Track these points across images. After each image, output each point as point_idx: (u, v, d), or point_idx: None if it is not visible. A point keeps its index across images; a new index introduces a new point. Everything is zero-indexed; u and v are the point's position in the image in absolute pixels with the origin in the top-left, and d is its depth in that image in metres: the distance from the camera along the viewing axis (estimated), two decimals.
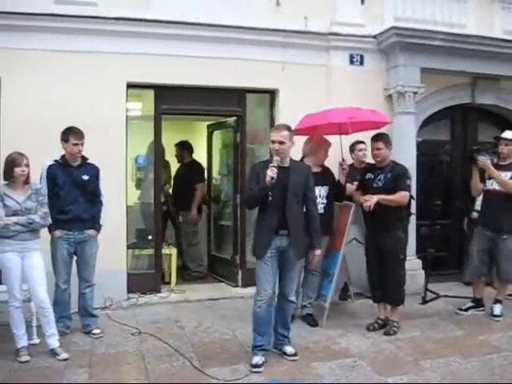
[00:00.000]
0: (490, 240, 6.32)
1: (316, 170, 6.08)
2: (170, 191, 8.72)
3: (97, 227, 5.72)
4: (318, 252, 5.17)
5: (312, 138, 6.31)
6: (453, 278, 7.85)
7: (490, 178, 6.33)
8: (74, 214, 5.54)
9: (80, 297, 5.76)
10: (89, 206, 5.67)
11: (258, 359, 4.85)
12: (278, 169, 4.76)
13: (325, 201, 6.15)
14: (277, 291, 5.07)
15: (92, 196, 5.71)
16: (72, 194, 5.56)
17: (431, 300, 7.00)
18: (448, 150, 8.42)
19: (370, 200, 5.68)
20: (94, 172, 5.74)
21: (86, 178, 5.65)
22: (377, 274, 5.95)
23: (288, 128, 4.99)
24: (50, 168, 5.55)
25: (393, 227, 5.80)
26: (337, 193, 6.33)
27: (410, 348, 5.39)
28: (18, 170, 4.98)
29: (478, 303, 6.59)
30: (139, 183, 7.87)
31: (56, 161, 5.62)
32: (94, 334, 5.66)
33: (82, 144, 5.62)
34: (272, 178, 4.70)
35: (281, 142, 4.83)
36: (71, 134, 5.57)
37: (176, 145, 8.80)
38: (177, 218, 8.60)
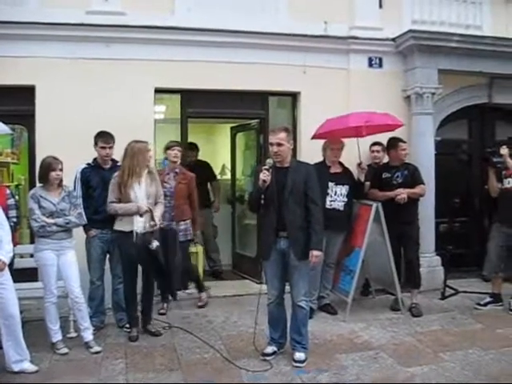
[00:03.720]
0: (507, 236, 6.48)
1: (337, 170, 6.41)
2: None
3: None
4: (316, 253, 4.82)
5: (326, 141, 6.57)
6: (472, 275, 7.96)
7: (506, 177, 6.52)
8: (106, 214, 5.73)
9: (113, 293, 5.99)
10: None
11: (268, 349, 5.13)
12: (276, 169, 4.86)
13: (345, 199, 6.40)
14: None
15: None
16: (104, 195, 5.74)
17: (450, 295, 7.14)
18: (466, 148, 8.49)
19: (402, 194, 6.39)
20: None
21: None
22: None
23: (286, 129, 4.98)
24: (83, 171, 5.84)
25: (413, 218, 6.63)
26: (358, 191, 6.59)
27: (429, 341, 5.56)
28: (53, 174, 5.23)
29: (496, 298, 6.72)
30: None
31: (88, 164, 5.91)
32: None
33: (111, 147, 5.89)
34: (264, 181, 4.74)
35: (278, 144, 4.84)
36: (99, 138, 5.87)
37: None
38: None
